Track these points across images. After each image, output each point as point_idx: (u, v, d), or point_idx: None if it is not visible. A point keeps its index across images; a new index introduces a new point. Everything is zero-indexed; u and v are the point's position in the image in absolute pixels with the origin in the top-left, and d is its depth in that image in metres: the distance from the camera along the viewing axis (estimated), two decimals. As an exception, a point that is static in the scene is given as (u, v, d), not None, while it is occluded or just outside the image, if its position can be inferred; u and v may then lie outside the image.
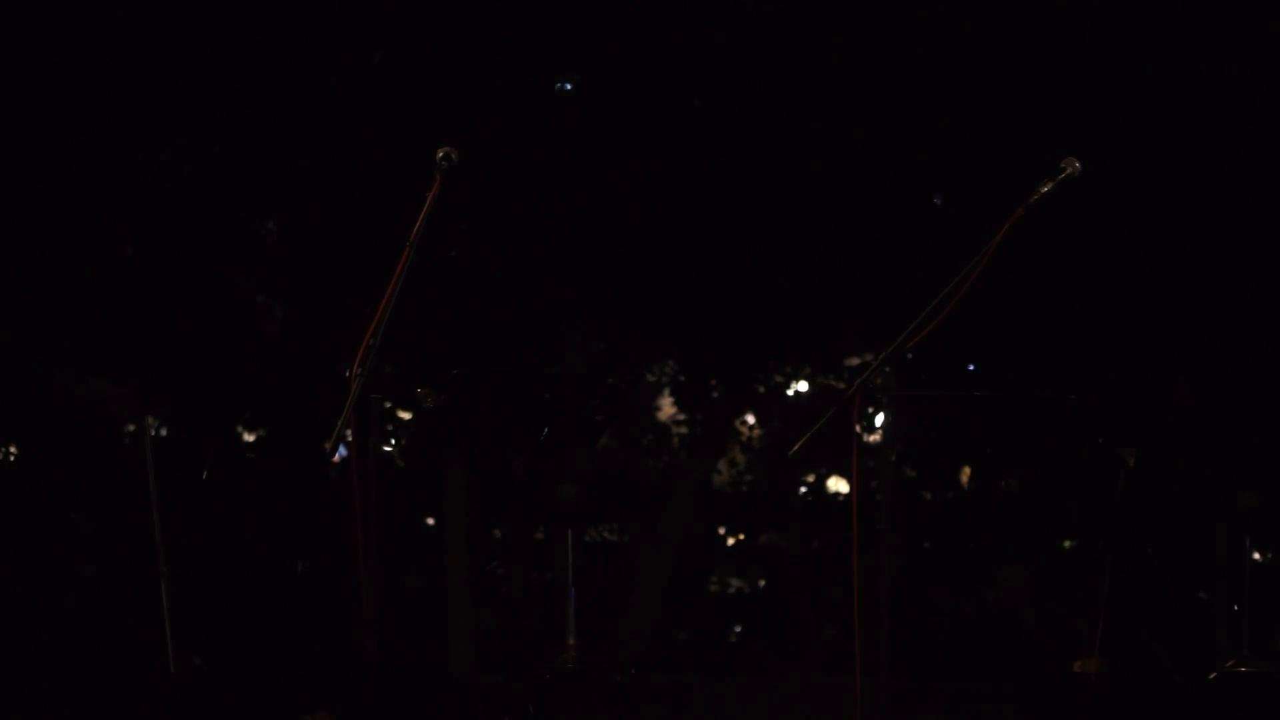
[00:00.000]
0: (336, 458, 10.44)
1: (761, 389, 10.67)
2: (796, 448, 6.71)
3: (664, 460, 10.52)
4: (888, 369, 6.27)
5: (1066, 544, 10.13)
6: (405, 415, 10.09)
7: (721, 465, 10.82)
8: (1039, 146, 8.39)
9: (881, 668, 6.42)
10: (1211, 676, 7.82)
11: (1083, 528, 10.04)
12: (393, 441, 9.64)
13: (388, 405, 9.90)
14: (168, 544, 7.56)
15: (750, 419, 10.86)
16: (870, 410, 6.65)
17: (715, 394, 10.40)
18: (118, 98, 9.85)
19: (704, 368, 10.46)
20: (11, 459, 10.39)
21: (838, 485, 10.63)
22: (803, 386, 10.73)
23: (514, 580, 6.57)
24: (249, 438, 10.93)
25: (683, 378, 10.53)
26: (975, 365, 10.46)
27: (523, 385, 6.51)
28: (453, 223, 10.01)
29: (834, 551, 10.19)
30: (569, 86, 10.42)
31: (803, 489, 10.56)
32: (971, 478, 10.62)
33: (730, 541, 10.67)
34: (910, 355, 6.40)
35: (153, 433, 10.24)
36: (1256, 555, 9.55)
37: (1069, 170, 6.28)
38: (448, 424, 6.51)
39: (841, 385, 10.61)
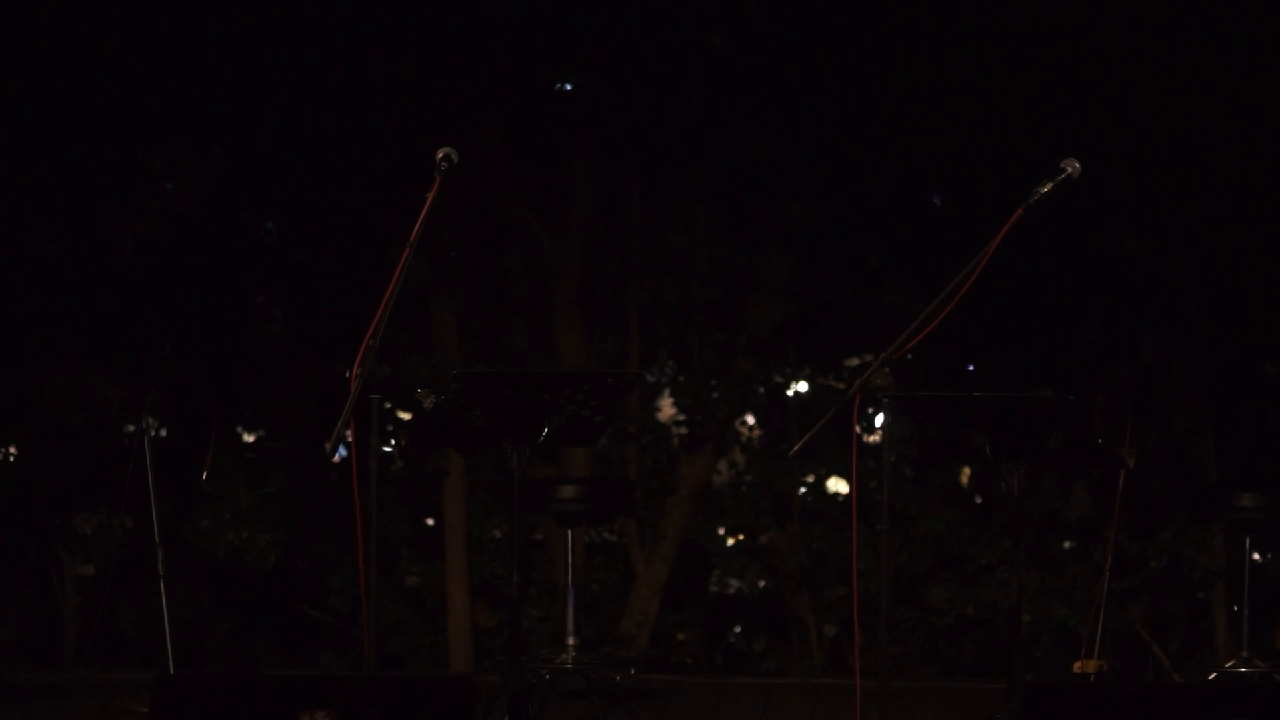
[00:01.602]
0: (336, 458, 10.45)
1: (761, 389, 10.67)
2: (797, 447, 6.72)
3: (664, 460, 10.52)
4: (887, 369, 6.27)
5: (1067, 544, 10.12)
6: (405, 416, 10.10)
7: (721, 465, 10.82)
8: (1039, 147, 8.39)
9: (881, 668, 6.43)
10: (1211, 678, 7.83)
11: (1083, 527, 10.04)
12: (393, 441, 9.64)
13: (388, 405, 9.89)
14: (167, 544, 7.55)
15: (750, 419, 10.86)
16: (870, 410, 6.66)
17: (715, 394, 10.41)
18: (118, 97, 9.86)
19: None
20: (11, 459, 10.39)
21: (838, 485, 10.63)
22: (803, 386, 10.73)
23: (514, 580, 6.56)
24: (249, 438, 10.94)
25: (682, 378, 10.53)
26: (974, 365, 10.47)
27: (522, 385, 6.50)
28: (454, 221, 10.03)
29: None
30: (568, 86, 10.43)
31: (802, 489, 10.56)
32: (971, 478, 10.62)
33: (730, 542, 10.66)
34: (910, 356, 6.41)
35: (152, 433, 10.24)
36: (1256, 555, 9.55)
37: (1069, 171, 6.29)
38: (447, 424, 6.50)
39: (841, 385, 10.61)
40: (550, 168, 10.36)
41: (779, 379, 10.74)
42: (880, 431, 6.64)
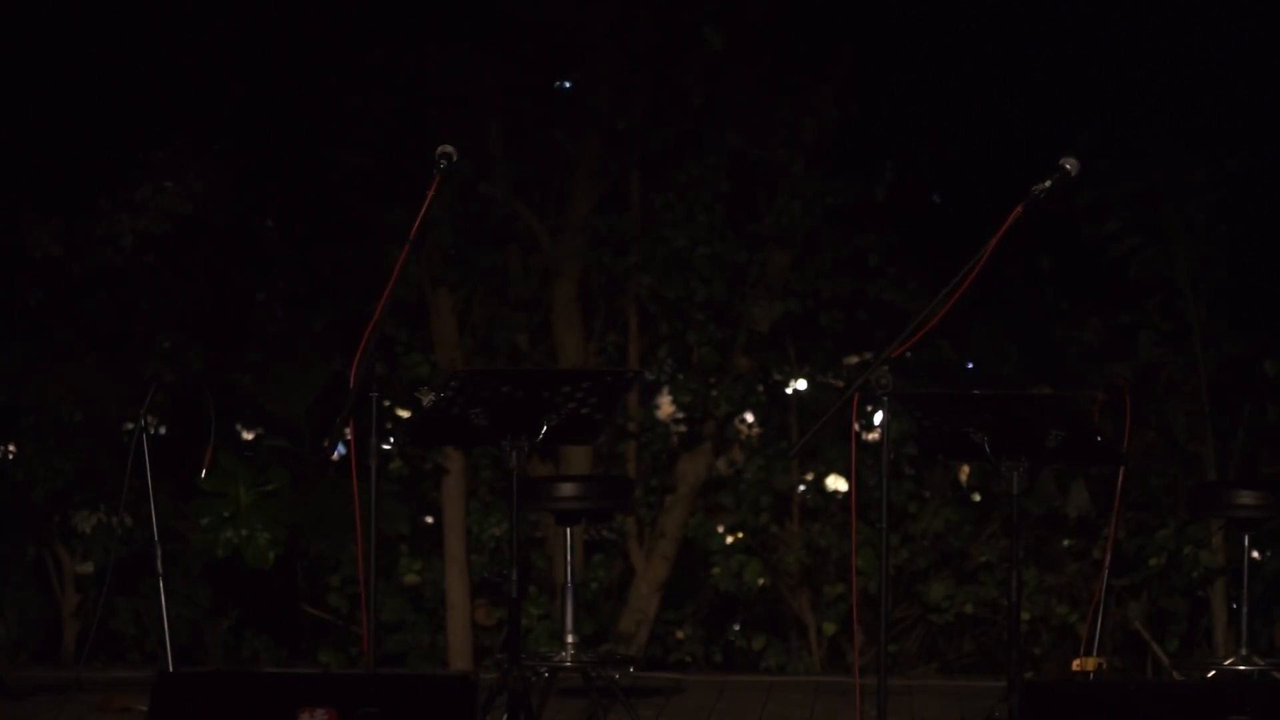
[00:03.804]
0: (335, 456, 10.44)
1: (760, 387, 10.66)
2: (799, 447, 6.73)
3: (663, 458, 10.52)
4: (886, 367, 6.28)
5: (1066, 542, 10.12)
6: (404, 414, 10.09)
7: (720, 463, 10.81)
8: (1039, 145, 8.39)
9: (880, 666, 6.43)
10: (1211, 675, 7.82)
11: (1082, 525, 10.04)
12: (392, 440, 9.65)
13: (387, 403, 9.88)
14: (166, 542, 7.55)
15: (749, 417, 10.85)
16: (869, 408, 6.66)
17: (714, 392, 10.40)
18: (118, 95, 9.85)
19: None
20: (10, 457, 10.38)
21: (837, 483, 10.62)
22: (802, 384, 10.72)
23: (513, 578, 6.57)
24: (248, 435, 10.93)
25: (681, 376, 10.52)
26: (973, 363, 10.47)
27: (522, 383, 6.51)
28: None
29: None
30: (568, 85, 10.43)
31: (801, 487, 10.55)
32: (970, 475, 10.61)
33: (729, 540, 10.65)
34: (910, 354, 6.42)
35: (152, 431, 10.23)
36: (1255, 553, 9.55)
37: (1068, 168, 6.29)
38: (447, 422, 6.50)
39: (840, 383, 10.60)
40: (549, 165, 10.36)
41: (778, 377, 10.72)
42: (879, 429, 6.64)
